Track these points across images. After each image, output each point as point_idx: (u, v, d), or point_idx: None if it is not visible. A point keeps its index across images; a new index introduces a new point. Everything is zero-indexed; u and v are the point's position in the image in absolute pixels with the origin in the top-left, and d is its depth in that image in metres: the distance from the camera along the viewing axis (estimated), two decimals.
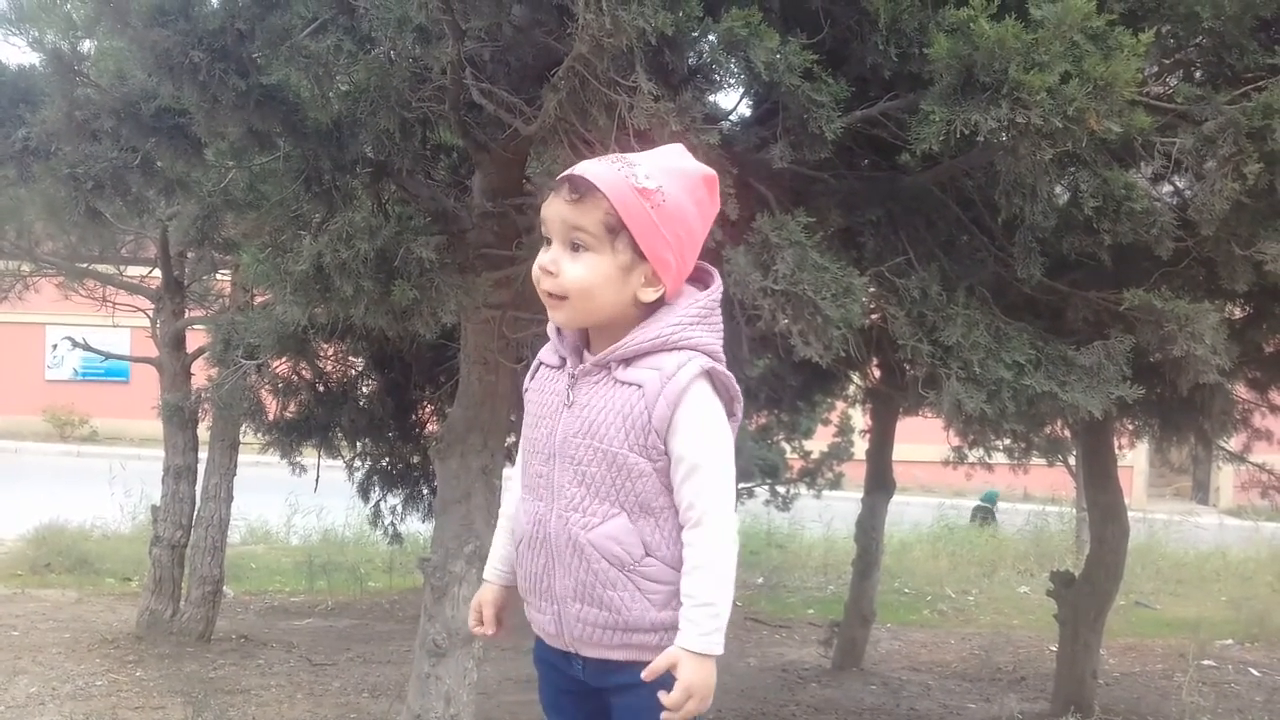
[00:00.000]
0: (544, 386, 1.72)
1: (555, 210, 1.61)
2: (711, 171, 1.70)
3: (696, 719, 1.61)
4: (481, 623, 1.86)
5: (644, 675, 1.59)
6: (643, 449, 1.60)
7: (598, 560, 1.62)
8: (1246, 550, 12.76)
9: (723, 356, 1.67)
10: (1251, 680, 7.52)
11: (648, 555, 1.62)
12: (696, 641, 1.58)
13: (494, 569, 1.87)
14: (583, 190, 1.59)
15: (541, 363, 1.75)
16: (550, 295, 1.63)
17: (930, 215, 3.54)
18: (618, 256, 1.60)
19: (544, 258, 1.63)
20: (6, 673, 5.86)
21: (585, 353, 1.68)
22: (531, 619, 1.77)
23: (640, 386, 1.60)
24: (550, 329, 1.73)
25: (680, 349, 1.62)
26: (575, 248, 1.61)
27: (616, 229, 1.59)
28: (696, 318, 1.65)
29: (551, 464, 1.66)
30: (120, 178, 4.00)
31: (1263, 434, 6.48)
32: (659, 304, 1.64)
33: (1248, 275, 3.27)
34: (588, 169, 1.62)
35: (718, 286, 1.69)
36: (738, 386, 1.67)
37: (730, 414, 1.66)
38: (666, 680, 1.58)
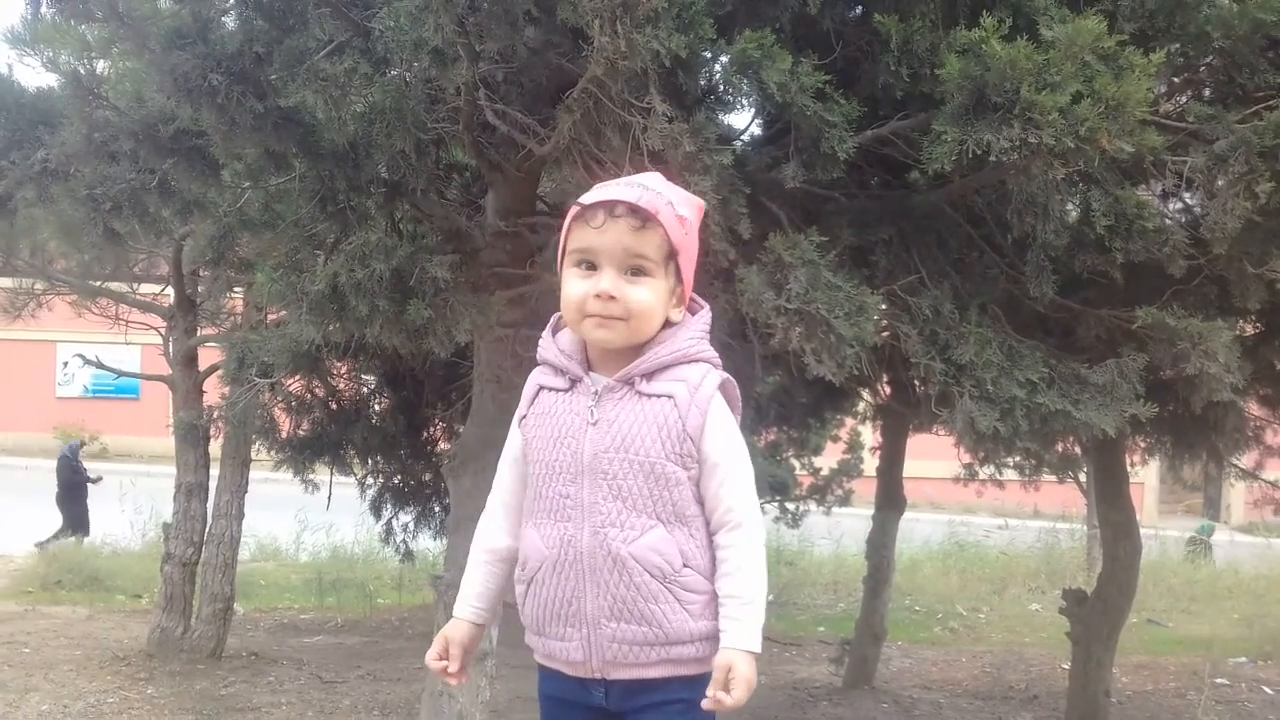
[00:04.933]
0: (554, 409, 1.72)
1: (614, 238, 1.65)
2: (702, 200, 1.83)
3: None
4: (445, 659, 1.77)
5: (707, 703, 1.61)
6: (679, 457, 1.65)
7: (640, 574, 1.64)
8: (1259, 567, 12.69)
9: None
10: (1265, 699, 7.46)
11: (685, 565, 1.66)
12: (747, 640, 1.63)
13: (471, 607, 1.81)
14: (645, 219, 1.65)
15: (542, 387, 1.75)
16: (604, 318, 1.65)
17: (942, 233, 3.55)
18: (669, 280, 1.69)
19: (603, 283, 1.65)
20: (18, 690, 5.87)
21: (592, 373, 1.71)
22: (548, 651, 1.72)
23: (671, 397, 1.66)
24: (550, 353, 1.74)
25: (698, 361, 1.71)
26: (635, 272, 1.66)
27: (671, 255, 1.68)
28: (703, 334, 1.74)
29: (580, 483, 1.67)
30: (138, 198, 4.02)
31: (1275, 451, 6.44)
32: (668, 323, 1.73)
33: (1260, 293, 3.28)
34: (639, 198, 1.65)
35: (707, 309, 1.77)
36: (740, 396, 1.75)
37: None
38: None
